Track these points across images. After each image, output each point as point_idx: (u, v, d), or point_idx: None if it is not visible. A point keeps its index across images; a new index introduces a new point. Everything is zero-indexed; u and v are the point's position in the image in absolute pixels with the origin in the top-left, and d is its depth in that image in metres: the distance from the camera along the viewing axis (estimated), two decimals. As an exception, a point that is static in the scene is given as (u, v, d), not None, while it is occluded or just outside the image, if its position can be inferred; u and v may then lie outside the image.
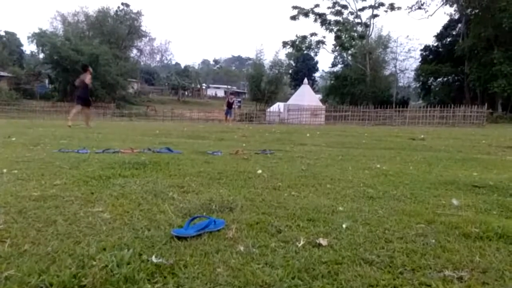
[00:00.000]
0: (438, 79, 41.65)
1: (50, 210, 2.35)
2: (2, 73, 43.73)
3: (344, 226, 2.19)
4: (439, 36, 41.61)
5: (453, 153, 6.31)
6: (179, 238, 1.94)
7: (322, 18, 42.85)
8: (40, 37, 38.51)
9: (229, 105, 20.79)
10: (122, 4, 48.03)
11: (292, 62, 56.69)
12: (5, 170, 3.54)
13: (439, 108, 25.31)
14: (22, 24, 75.85)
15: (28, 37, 39.91)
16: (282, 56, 49.02)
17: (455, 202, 2.81)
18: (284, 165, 4.51)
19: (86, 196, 2.70)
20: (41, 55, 42.83)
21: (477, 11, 35.00)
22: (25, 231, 2.00)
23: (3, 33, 51.40)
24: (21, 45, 54.07)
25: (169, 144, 6.49)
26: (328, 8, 42.64)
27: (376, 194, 3.05)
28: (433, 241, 1.99)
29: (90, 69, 12.18)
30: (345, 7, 42.87)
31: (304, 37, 44.86)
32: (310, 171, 4.10)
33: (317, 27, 42.90)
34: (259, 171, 3.89)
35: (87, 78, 11.73)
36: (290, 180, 3.53)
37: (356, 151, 6.39)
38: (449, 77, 40.63)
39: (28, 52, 53.72)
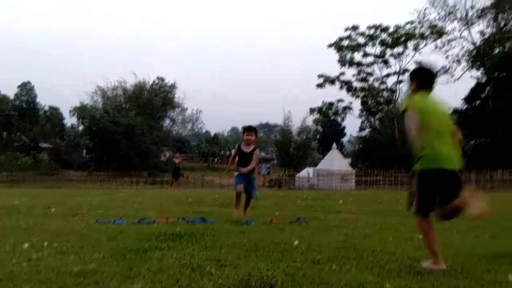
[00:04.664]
0: (470, 142, 40.69)
1: (90, 287, 2.34)
2: (44, 145, 46.33)
3: (395, 306, 2.05)
4: (468, 99, 41.40)
5: (498, 221, 5.95)
6: (221, 319, 1.86)
7: (347, 85, 43.81)
8: (81, 111, 41.07)
9: (243, 159, 6.47)
10: (158, 78, 51.15)
11: (319, 127, 57.27)
12: (45, 243, 3.61)
13: (475, 172, 24.40)
14: (65, 99, 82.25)
15: (70, 111, 42.63)
16: (309, 122, 49.65)
17: (512, 278, 2.60)
18: (321, 235, 4.38)
19: (124, 272, 2.68)
20: (81, 127, 45.34)
21: (504, 74, 34.98)
22: (67, 309, 1.98)
23: (47, 108, 55.35)
24: (63, 118, 57.65)
25: (202, 213, 6.50)
26: (354, 75, 43.75)
27: (423, 269, 2.87)
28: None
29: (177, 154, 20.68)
30: (370, 74, 43.90)
31: (331, 104, 45.69)
32: (349, 242, 3.95)
33: (343, 94, 43.61)
34: (296, 242, 3.78)
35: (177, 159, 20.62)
36: (329, 252, 3.40)
37: (393, 219, 6.15)
38: (482, 140, 39.67)
39: (69, 124, 57.11)
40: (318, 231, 4.66)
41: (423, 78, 3.29)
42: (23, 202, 8.54)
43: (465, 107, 41.80)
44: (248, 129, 6.36)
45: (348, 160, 47.12)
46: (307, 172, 34.60)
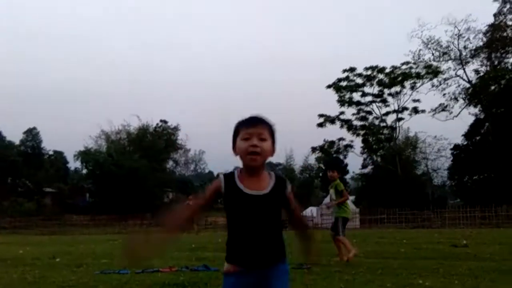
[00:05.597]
0: (474, 177, 40.58)
1: None
2: (48, 189, 46.41)
3: None
4: (468, 135, 41.72)
5: (500, 263, 5.98)
6: None
7: (348, 124, 44.43)
8: (85, 155, 41.53)
9: (251, 220, 1.71)
10: (161, 121, 52.07)
11: (322, 165, 57.41)
12: (53, 297, 3.71)
13: (480, 208, 24.25)
14: (70, 143, 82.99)
15: (74, 155, 43.10)
16: (311, 160, 49.91)
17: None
18: (323, 282, 4.45)
19: (131, 325, 2.78)
20: (84, 171, 45.58)
21: (502, 109, 35.50)
22: None
23: (51, 152, 55.89)
24: (67, 162, 58.04)
25: (205, 259, 6.57)
26: (353, 114, 44.45)
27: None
28: None
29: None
30: (369, 112, 44.59)
31: (332, 142, 46.12)
32: (350, 289, 4.02)
33: (344, 132, 44.28)
34: (298, 291, 3.87)
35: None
36: (330, 301, 3.48)
37: (395, 262, 6.19)
38: (485, 175, 39.56)
39: (72, 168, 57.42)
40: (320, 278, 4.72)
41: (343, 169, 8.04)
42: (28, 251, 8.60)
43: (465, 143, 42.05)
44: (253, 121, 1.86)
45: (352, 198, 46.83)
46: (310, 211, 34.38)
